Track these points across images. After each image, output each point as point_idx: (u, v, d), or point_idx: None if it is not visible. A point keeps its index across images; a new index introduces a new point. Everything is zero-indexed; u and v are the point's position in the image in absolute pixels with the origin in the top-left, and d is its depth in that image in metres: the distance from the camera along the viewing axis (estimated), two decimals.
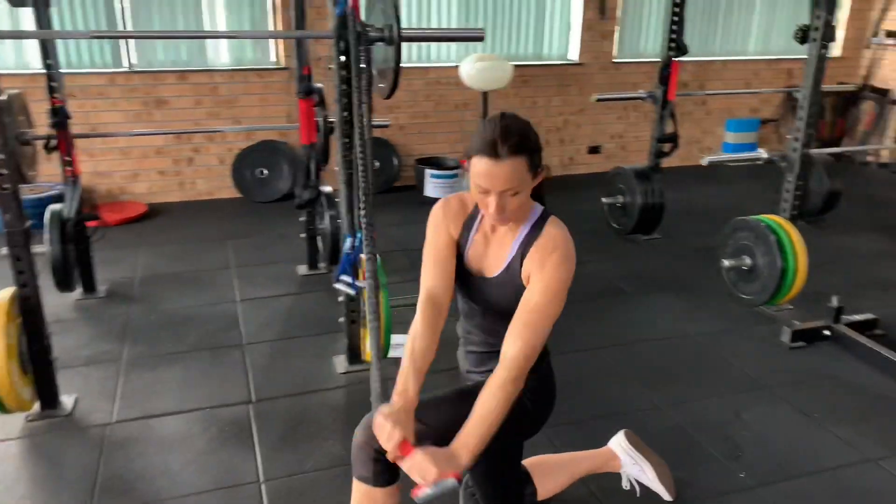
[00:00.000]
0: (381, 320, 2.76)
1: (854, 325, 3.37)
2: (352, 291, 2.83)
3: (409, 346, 1.66)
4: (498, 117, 1.62)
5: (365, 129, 2.71)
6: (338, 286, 2.88)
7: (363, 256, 2.82)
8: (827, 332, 3.35)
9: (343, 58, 2.58)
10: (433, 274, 1.74)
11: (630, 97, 4.51)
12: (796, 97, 5.67)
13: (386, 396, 1.75)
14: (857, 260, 4.38)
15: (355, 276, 2.84)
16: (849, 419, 2.78)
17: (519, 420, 1.84)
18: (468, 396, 1.76)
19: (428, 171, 5.35)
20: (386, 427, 1.51)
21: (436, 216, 1.79)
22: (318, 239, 4.09)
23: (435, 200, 1.82)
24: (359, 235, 2.81)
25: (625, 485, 2.28)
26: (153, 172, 5.31)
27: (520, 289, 1.72)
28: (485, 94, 5.72)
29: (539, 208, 1.72)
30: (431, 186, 5.36)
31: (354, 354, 3.08)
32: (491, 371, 1.67)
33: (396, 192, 5.68)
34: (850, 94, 6.87)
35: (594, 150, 6.42)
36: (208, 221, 5.01)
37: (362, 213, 2.77)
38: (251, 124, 5.34)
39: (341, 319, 3.05)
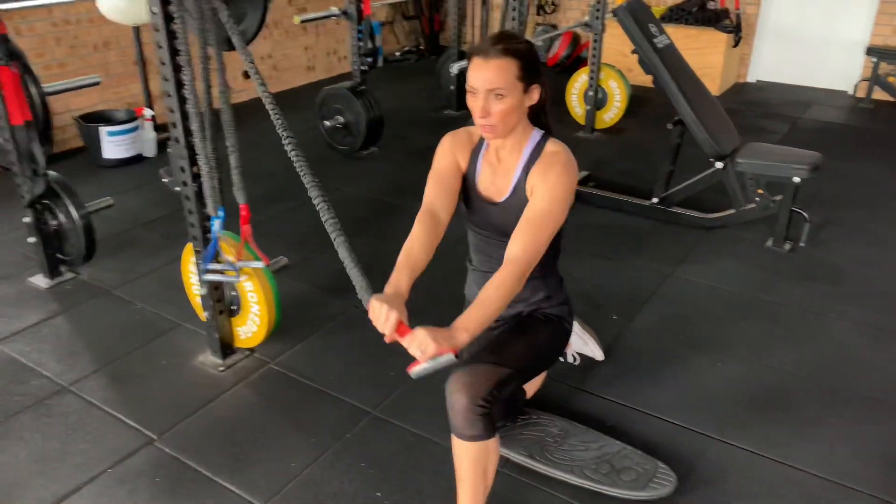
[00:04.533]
0: (272, 299, 2.57)
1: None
2: (233, 278, 2.50)
3: (407, 246, 1.70)
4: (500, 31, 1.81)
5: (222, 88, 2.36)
6: (210, 278, 2.51)
7: (222, 237, 2.52)
8: None
9: None
10: (434, 192, 1.82)
11: (327, 16, 4.49)
12: None
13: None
14: None
15: (216, 259, 2.51)
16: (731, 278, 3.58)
17: (562, 343, 2.05)
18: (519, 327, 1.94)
19: (104, 130, 4.53)
20: (382, 310, 1.51)
21: (443, 146, 1.89)
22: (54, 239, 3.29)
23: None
24: (221, 213, 2.47)
25: (569, 359, 2.58)
26: None
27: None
28: (136, 30, 4.98)
29: (540, 133, 1.84)
30: (112, 147, 4.57)
31: (227, 346, 2.74)
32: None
33: (63, 161, 4.68)
34: None
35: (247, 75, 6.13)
36: None
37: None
38: None
39: (206, 314, 2.66)
